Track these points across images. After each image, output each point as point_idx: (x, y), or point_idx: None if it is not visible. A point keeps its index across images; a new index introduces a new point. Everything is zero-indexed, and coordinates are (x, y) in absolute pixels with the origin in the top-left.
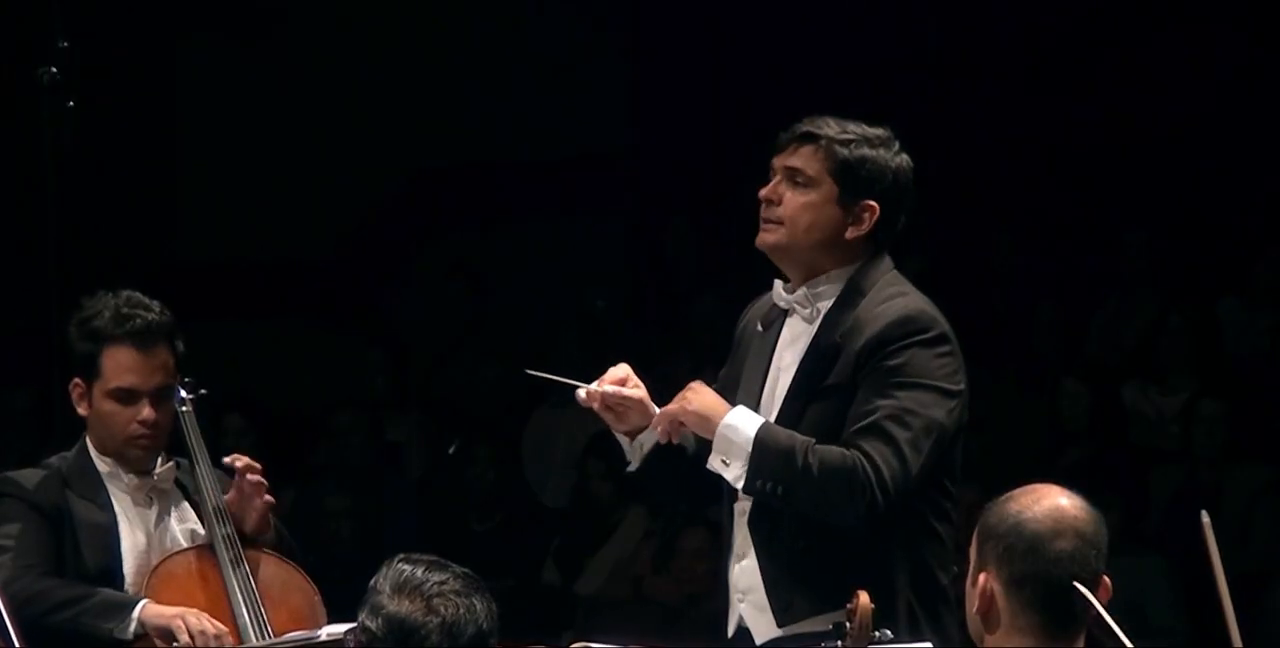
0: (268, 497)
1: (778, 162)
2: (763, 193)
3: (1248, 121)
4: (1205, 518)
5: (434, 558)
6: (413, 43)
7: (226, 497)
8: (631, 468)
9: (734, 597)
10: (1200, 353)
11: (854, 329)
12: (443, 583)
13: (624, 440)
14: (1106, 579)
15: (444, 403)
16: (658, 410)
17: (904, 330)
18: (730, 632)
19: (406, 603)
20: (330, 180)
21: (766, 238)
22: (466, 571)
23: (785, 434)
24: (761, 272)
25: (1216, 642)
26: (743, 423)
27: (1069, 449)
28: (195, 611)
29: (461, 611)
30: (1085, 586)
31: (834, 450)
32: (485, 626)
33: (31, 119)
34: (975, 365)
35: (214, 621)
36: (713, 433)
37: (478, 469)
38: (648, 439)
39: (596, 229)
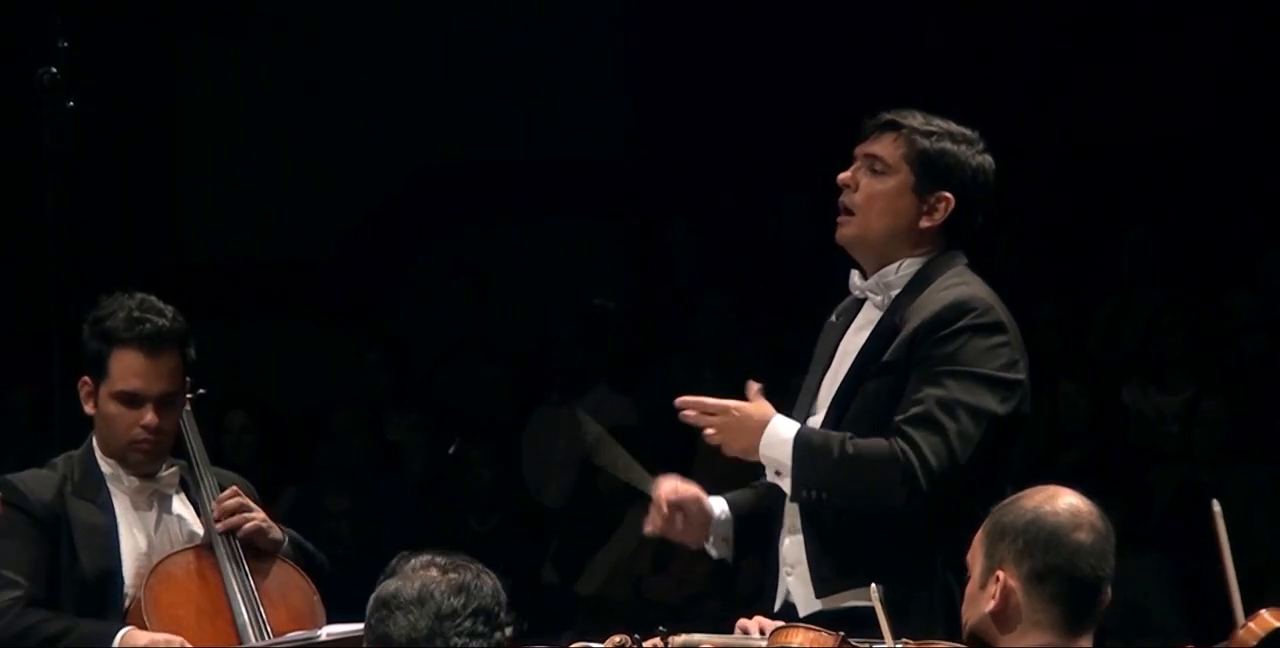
0: (249, 524)
1: (859, 149)
2: (841, 178)
3: (1248, 120)
4: (1216, 507)
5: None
6: (412, 42)
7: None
8: (729, 559)
9: (783, 570)
10: (1200, 353)
11: (913, 312)
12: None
13: (709, 549)
14: (1108, 588)
15: (444, 403)
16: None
17: (956, 313)
18: (777, 606)
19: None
20: (330, 180)
21: (843, 231)
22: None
23: (820, 436)
24: (763, 273)
25: (1217, 642)
26: (780, 435)
27: (1069, 449)
28: (175, 637)
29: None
30: (1095, 589)
31: (875, 442)
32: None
33: (31, 119)
34: None
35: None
36: (759, 457)
37: (478, 469)
38: (724, 530)
39: (596, 229)
